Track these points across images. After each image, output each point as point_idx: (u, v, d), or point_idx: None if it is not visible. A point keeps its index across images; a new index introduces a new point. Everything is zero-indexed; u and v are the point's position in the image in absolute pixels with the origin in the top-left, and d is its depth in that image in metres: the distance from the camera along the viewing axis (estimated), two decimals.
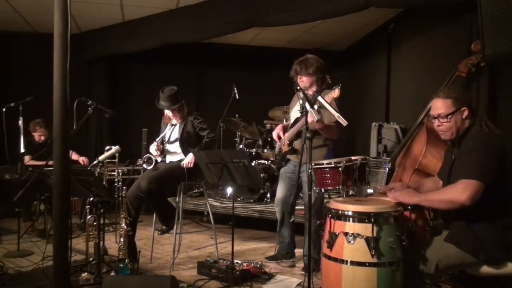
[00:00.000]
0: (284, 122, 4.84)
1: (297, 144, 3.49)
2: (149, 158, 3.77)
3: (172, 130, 3.89)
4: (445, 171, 2.36)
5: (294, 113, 3.60)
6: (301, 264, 3.64)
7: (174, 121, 3.90)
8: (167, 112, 3.87)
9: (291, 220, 3.72)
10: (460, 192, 2.05)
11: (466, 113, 2.23)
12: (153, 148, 3.82)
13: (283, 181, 3.65)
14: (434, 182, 2.58)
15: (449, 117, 2.24)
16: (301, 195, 3.86)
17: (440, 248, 2.15)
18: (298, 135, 3.45)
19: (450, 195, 2.10)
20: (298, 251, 3.80)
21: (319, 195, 3.29)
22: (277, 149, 3.77)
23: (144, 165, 3.77)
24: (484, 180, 2.04)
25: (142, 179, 3.62)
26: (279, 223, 3.76)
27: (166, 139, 3.88)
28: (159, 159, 3.84)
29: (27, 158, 4.73)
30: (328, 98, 2.86)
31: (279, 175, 3.73)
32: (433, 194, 2.24)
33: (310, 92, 3.48)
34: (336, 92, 2.86)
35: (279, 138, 3.64)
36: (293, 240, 3.79)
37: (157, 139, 3.85)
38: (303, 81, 3.42)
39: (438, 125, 2.30)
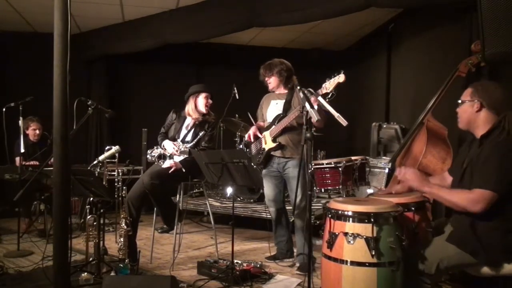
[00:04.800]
0: None
1: (283, 139, 3.54)
2: (161, 155, 3.75)
3: (188, 130, 3.84)
4: (458, 169, 2.32)
5: (271, 111, 3.66)
6: (296, 264, 3.65)
7: (194, 116, 3.84)
8: (199, 102, 3.81)
9: (291, 220, 3.73)
10: (474, 202, 2.04)
11: (476, 106, 2.20)
12: (170, 145, 3.75)
13: (267, 181, 3.67)
14: (440, 180, 2.55)
15: (460, 103, 2.27)
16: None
17: (441, 248, 2.15)
18: (284, 130, 3.49)
19: (462, 202, 2.09)
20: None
21: (307, 196, 3.31)
22: (254, 150, 3.77)
23: (159, 162, 3.75)
24: (500, 190, 2.02)
25: (145, 176, 3.63)
26: (275, 223, 3.79)
27: (180, 137, 3.84)
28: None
29: (18, 160, 4.63)
30: (331, 85, 2.93)
31: (263, 176, 3.72)
32: (446, 193, 2.21)
33: (281, 92, 3.61)
34: (341, 77, 2.91)
35: (256, 137, 3.69)
36: (291, 237, 3.81)
37: (177, 139, 3.81)
38: (270, 82, 3.63)
39: (458, 110, 2.32)
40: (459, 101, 2.29)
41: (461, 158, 2.34)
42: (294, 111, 3.35)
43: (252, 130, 3.74)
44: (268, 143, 3.59)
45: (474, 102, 2.21)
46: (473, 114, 2.22)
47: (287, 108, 3.53)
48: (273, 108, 3.65)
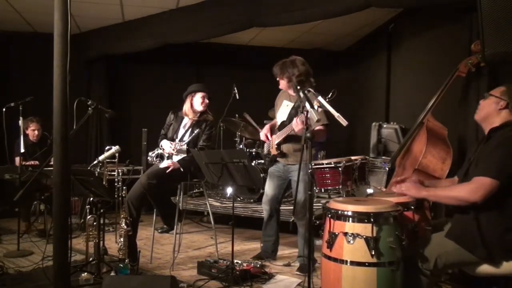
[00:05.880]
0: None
1: (285, 148, 3.54)
2: (159, 155, 3.75)
3: (186, 130, 3.85)
4: (464, 168, 2.33)
5: (280, 113, 3.63)
6: (296, 264, 3.65)
7: (190, 116, 3.84)
8: (195, 101, 3.79)
9: (290, 220, 3.73)
10: (472, 191, 2.04)
11: (502, 104, 2.20)
12: (167, 145, 3.77)
13: (271, 180, 3.68)
14: (451, 183, 2.54)
15: (486, 95, 2.28)
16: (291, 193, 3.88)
17: (440, 244, 2.15)
18: (286, 139, 3.48)
19: (461, 194, 2.08)
20: (295, 251, 3.81)
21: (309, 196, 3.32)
22: (265, 150, 3.79)
23: (155, 161, 3.76)
24: (499, 178, 2.01)
25: (143, 176, 3.64)
26: (266, 221, 3.79)
27: (179, 137, 3.85)
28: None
29: (17, 160, 4.64)
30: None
31: (268, 173, 3.75)
32: (443, 190, 2.23)
33: (293, 94, 3.54)
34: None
35: (267, 138, 3.68)
36: (278, 239, 3.84)
37: (175, 139, 3.81)
38: (280, 83, 3.55)
39: (481, 101, 2.32)
40: (487, 94, 2.30)
41: (469, 157, 2.35)
42: (296, 120, 3.26)
43: (264, 131, 3.72)
44: (273, 149, 3.60)
45: (501, 100, 2.21)
46: (495, 111, 2.23)
47: (292, 115, 3.48)
48: (283, 109, 3.60)
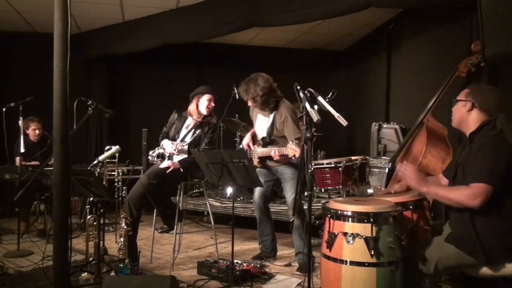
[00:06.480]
0: None
1: (269, 161, 3.56)
2: (160, 155, 3.76)
3: (188, 131, 3.85)
4: (452, 170, 2.34)
5: (258, 127, 3.66)
6: (296, 264, 3.65)
7: (194, 117, 3.83)
8: (201, 103, 3.80)
9: (291, 220, 3.73)
10: (471, 197, 2.05)
11: (468, 106, 2.25)
12: (168, 145, 3.77)
13: (260, 177, 3.68)
14: (434, 181, 2.57)
15: (454, 101, 2.34)
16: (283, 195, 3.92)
17: (440, 248, 2.15)
18: (268, 157, 3.50)
19: (460, 198, 2.09)
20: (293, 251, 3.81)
21: (297, 194, 3.34)
22: (248, 155, 3.80)
23: (157, 161, 3.76)
24: (494, 183, 2.03)
25: (143, 176, 3.65)
26: (259, 220, 3.79)
27: (180, 137, 3.85)
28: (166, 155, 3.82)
29: (17, 160, 4.63)
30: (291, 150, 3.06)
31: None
32: (443, 190, 2.23)
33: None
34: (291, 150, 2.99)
35: (249, 147, 3.69)
36: (275, 237, 3.84)
37: (177, 139, 3.81)
38: (248, 102, 3.59)
39: (453, 109, 2.37)
40: (454, 100, 2.35)
41: (455, 159, 2.37)
42: (275, 151, 3.34)
43: (245, 141, 3.73)
44: (255, 161, 3.62)
45: (467, 102, 2.26)
46: (464, 113, 2.28)
47: (270, 132, 3.53)
48: (259, 123, 3.65)
